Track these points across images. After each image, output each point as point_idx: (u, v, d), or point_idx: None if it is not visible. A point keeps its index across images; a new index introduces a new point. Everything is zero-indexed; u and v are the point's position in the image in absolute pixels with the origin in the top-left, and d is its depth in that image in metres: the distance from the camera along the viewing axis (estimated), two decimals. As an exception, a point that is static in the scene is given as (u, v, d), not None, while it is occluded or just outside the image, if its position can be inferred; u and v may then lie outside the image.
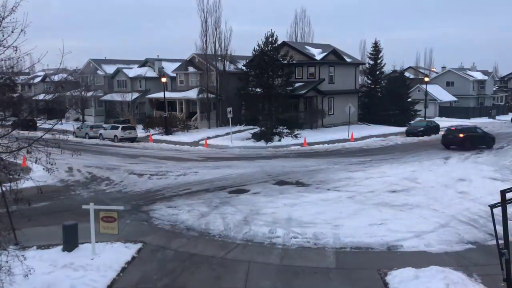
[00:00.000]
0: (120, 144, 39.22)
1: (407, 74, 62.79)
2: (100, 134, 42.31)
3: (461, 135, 31.44)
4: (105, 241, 13.01)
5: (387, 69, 59.71)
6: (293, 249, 12.83)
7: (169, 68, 53.54)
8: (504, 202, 7.04)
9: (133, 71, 55.85)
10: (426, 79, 56.77)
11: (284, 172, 24.12)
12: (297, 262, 11.88)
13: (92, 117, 56.98)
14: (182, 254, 12.50)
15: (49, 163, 8.85)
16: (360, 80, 54.67)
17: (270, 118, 37.90)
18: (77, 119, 58.09)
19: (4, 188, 10.09)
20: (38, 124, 34.41)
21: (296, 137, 37.27)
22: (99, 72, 59.90)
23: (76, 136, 43.68)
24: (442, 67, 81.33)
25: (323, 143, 36.40)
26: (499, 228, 7.38)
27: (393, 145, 35.92)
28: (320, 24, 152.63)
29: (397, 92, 48.41)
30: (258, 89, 37.94)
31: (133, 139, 39.85)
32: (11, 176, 9.00)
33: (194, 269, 11.57)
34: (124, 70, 56.16)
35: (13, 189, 8.94)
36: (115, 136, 40.08)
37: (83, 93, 55.78)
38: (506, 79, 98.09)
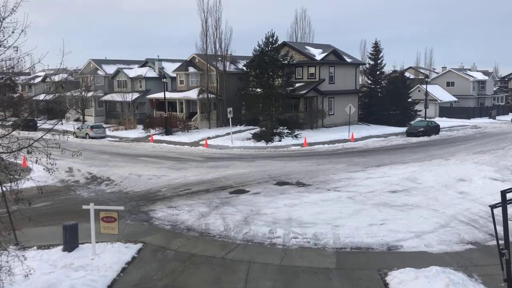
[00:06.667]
0: (121, 144, 39.27)
1: (407, 74, 62.76)
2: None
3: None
4: (105, 241, 13.02)
5: (388, 69, 59.82)
6: (293, 249, 12.83)
7: (170, 68, 53.54)
8: (504, 202, 7.06)
9: (134, 71, 55.84)
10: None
11: (285, 172, 24.11)
12: (297, 262, 11.87)
13: (92, 117, 56.99)
14: (182, 254, 12.51)
15: (49, 163, 8.85)
16: (360, 80, 54.62)
17: (270, 118, 37.89)
18: (77, 119, 58.09)
19: (4, 188, 10.09)
20: (38, 125, 34.54)
21: (297, 137, 37.26)
22: (99, 72, 59.92)
23: (77, 137, 43.74)
24: (442, 67, 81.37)
25: (323, 143, 36.39)
26: (500, 229, 7.39)
27: (393, 145, 35.90)
28: (321, 24, 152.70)
29: (397, 92, 48.38)
30: (258, 89, 37.91)
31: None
32: (11, 176, 8.99)
33: (194, 269, 11.57)
34: (125, 70, 56.16)
35: (14, 189, 8.94)
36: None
37: (83, 93, 55.77)
38: (506, 79, 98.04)
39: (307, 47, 47.22)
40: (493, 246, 12.15)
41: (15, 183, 9.19)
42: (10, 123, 10.57)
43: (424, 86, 55.43)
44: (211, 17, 45.82)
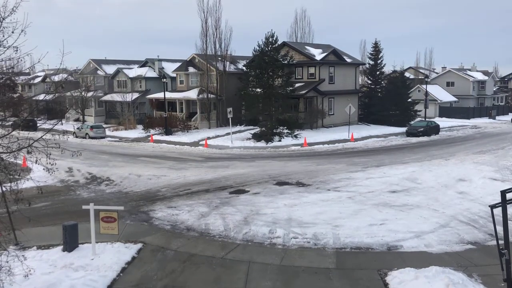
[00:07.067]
0: (121, 144, 39.28)
1: (407, 74, 62.75)
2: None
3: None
4: (105, 241, 13.02)
5: (387, 69, 59.80)
6: (293, 249, 12.83)
7: (169, 68, 53.53)
8: (504, 202, 7.06)
9: (133, 71, 55.83)
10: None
11: (284, 172, 24.11)
12: (297, 262, 11.88)
13: (92, 117, 56.96)
14: (182, 254, 12.51)
15: (49, 163, 8.85)
16: (360, 80, 54.62)
17: (270, 118, 37.90)
18: (77, 119, 58.06)
19: (4, 188, 10.09)
20: (38, 125, 34.55)
21: (296, 137, 37.27)
22: (99, 72, 59.89)
23: (77, 137, 43.73)
24: (442, 67, 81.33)
25: (323, 143, 36.41)
26: (499, 229, 7.40)
27: (393, 145, 35.91)
28: (320, 24, 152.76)
29: (397, 92, 48.39)
30: (258, 89, 37.91)
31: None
32: (11, 176, 8.99)
33: (194, 269, 11.57)
34: (124, 70, 56.16)
35: (13, 189, 8.94)
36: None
37: (83, 93, 55.78)
38: (506, 79, 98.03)
39: (307, 47, 47.23)
40: (493, 246, 12.15)
41: (15, 183, 9.20)
42: (10, 123, 10.58)
43: (424, 86, 55.43)
44: (211, 17, 45.89)
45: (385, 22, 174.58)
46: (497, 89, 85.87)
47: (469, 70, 78.97)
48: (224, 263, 11.87)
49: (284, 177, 22.84)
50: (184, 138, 40.06)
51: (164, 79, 44.75)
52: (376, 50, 51.08)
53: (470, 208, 16.61)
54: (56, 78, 54.73)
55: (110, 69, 59.14)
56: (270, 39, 38.07)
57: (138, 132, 45.72)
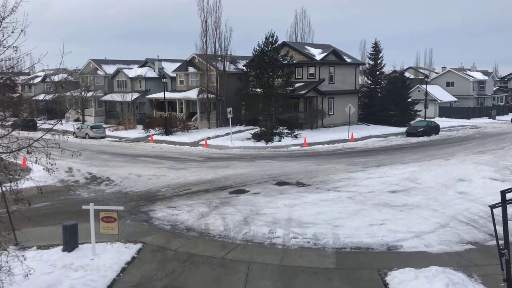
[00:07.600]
0: (120, 144, 39.28)
1: (407, 74, 62.77)
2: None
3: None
4: (105, 242, 13.02)
5: (387, 69, 59.82)
6: (293, 249, 12.83)
7: (169, 68, 53.53)
8: (504, 202, 7.06)
9: (133, 71, 55.82)
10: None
11: (284, 172, 24.11)
12: (297, 262, 11.88)
13: (92, 117, 56.96)
14: (182, 255, 12.51)
15: (49, 163, 8.85)
16: (360, 80, 54.64)
17: (270, 118, 37.89)
18: (77, 119, 58.05)
19: (4, 188, 10.09)
20: (38, 125, 34.54)
21: (296, 137, 37.26)
22: (99, 72, 59.88)
23: (76, 137, 43.73)
24: (442, 67, 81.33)
25: (323, 143, 36.40)
26: (499, 229, 7.40)
27: (393, 146, 35.91)
28: (320, 24, 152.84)
29: (397, 92, 48.39)
30: (258, 89, 37.90)
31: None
32: (11, 176, 8.99)
33: (194, 269, 11.57)
34: (124, 70, 56.14)
35: (13, 189, 8.94)
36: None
37: (83, 93, 55.76)
38: (506, 79, 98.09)
39: (307, 47, 47.23)
40: (493, 246, 12.16)
41: (15, 183, 9.20)
42: (10, 123, 10.58)
43: (424, 86, 55.44)
44: (211, 17, 45.90)
45: (385, 22, 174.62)
46: (497, 89, 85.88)
47: (469, 70, 78.99)
48: (224, 263, 11.87)
49: (284, 177, 22.84)
50: (184, 138, 40.06)
51: (164, 79, 44.75)
52: (376, 50, 51.09)
53: (470, 208, 16.61)
54: (56, 78, 54.65)
55: (110, 69, 59.14)
56: (270, 39, 38.06)
57: (138, 132, 45.73)
